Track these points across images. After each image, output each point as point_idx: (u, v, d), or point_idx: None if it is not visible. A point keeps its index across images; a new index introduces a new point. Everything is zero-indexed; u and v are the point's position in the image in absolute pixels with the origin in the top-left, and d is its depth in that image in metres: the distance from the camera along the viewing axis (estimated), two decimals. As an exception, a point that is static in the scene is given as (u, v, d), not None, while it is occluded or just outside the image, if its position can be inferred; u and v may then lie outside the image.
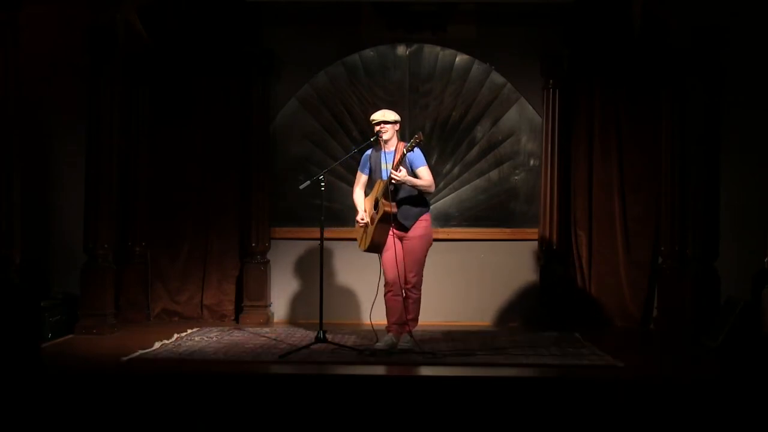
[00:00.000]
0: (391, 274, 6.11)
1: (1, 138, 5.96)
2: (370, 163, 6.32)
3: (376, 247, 6.18)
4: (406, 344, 6.19)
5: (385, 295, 6.19)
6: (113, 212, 7.25)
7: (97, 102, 7.05)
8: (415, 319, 6.24)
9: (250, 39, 7.83)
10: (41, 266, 7.38)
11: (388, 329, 6.24)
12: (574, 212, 7.79)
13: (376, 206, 6.15)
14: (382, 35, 7.96)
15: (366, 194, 6.40)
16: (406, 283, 6.11)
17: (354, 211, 6.42)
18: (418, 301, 6.19)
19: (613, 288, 7.69)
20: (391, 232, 6.12)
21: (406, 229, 6.12)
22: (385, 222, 6.07)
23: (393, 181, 5.95)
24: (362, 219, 6.20)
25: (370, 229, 6.16)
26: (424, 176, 6.08)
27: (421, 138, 5.93)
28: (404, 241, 6.13)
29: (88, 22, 7.00)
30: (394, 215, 6.05)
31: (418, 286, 6.15)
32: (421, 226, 6.16)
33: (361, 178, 6.39)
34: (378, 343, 6.18)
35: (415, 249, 6.12)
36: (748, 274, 6.38)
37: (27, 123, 6.90)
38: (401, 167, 5.95)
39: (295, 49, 7.94)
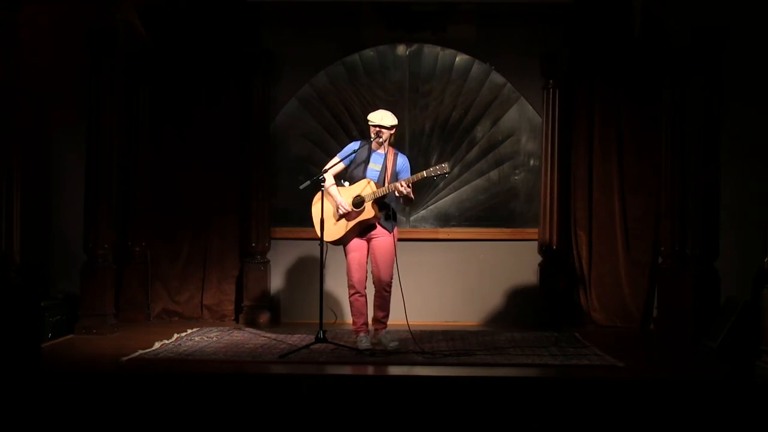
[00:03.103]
0: (359, 275, 6.24)
1: (1, 138, 5.96)
2: (356, 159, 6.32)
3: (343, 242, 6.28)
4: (394, 343, 6.25)
5: (350, 297, 6.32)
6: (113, 212, 7.25)
7: (97, 102, 7.05)
8: (388, 315, 6.37)
9: (250, 39, 7.82)
10: (41, 266, 7.38)
11: (358, 330, 6.34)
12: (574, 212, 7.79)
13: (358, 204, 6.16)
14: (382, 35, 7.96)
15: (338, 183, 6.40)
16: (379, 282, 6.25)
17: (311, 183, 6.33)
18: (390, 298, 6.33)
19: (613, 288, 7.69)
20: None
21: (388, 230, 6.22)
22: (367, 225, 6.20)
23: (399, 193, 6.03)
24: (345, 206, 6.20)
25: (347, 224, 6.20)
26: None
27: (447, 171, 6.08)
28: (375, 241, 6.23)
29: (88, 22, 7.00)
30: (379, 220, 6.19)
31: (390, 284, 6.29)
32: (395, 227, 6.33)
33: (339, 168, 6.37)
34: (360, 345, 6.23)
35: (389, 247, 6.22)
36: (748, 274, 6.38)
37: (27, 123, 6.91)
38: (410, 182, 6.06)
39: (295, 49, 7.94)
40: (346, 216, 6.20)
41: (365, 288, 6.31)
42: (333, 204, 6.28)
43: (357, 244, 6.26)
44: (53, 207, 7.68)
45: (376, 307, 6.35)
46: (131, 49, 7.42)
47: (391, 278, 6.27)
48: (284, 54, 7.93)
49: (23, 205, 6.20)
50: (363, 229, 6.24)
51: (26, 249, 6.30)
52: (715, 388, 5.25)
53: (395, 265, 6.21)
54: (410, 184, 6.03)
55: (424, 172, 6.04)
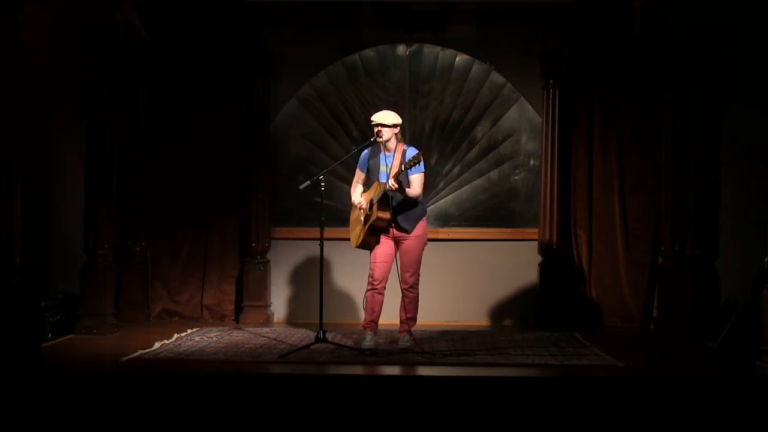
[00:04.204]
0: (380, 271, 6.20)
1: (1, 138, 5.96)
2: (369, 163, 6.34)
3: (367, 245, 6.27)
4: (407, 343, 6.23)
5: (366, 292, 6.28)
6: (113, 212, 7.25)
7: (97, 102, 7.05)
8: (414, 318, 6.32)
9: (250, 39, 7.82)
10: (41, 266, 7.38)
11: (365, 327, 6.31)
12: (574, 212, 7.79)
13: (371, 207, 6.17)
14: (382, 35, 7.95)
15: (364, 190, 6.44)
16: (404, 282, 6.20)
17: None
18: (416, 301, 6.28)
19: (613, 288, 7.69)
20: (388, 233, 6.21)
21: (407, 232, 6.17)
22: (378, 226, 6.17)
23: (389, 191, 6.00)
24: (360, 203, 6.23)
25: (363, 229, 6.22)
26: (414, 186, 6.12)
27: (420, 160, 5.93)
28: (402, 241, 6.18)
29: (88, 22, 7.00)
30: (389, 221, 6.11)
31: (416, 285, 6.24)
32: (420, 226, 6.24)
33: (360, 176, 6.44)
34: (363, 344, 6.23)
35: (413, 248, 6.19)
36: (748, 274, 6.38)
37: (27, 123, 6.90)
38: (395, 177, 5.99)
39: (295, 49, 7.94)
40: (363, 221, 6.21)
41: (384, 287, 6.25)
42: (357, 212, 6.33)
43: (382, 242, 6.23)
44: (53, 207, 7.68)
45: (401, 308, 6.30)
46: (131, 49, 7.42)
47: (413, 280, 6.21)
48: (284, 54, 7.93)
49: (23, 205, 6.20)
50: (377, 231, 6.19)
51: (26, 249, 6.30)
52: (715, 388, 5.25)
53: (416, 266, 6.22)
54: (397, 179, 5.96)
55: (402, 165, 6.00)
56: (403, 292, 6.25)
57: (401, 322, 6.32)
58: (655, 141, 7.52)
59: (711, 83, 6.81)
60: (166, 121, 7.85)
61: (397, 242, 6.22)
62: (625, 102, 7.70)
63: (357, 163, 6.47)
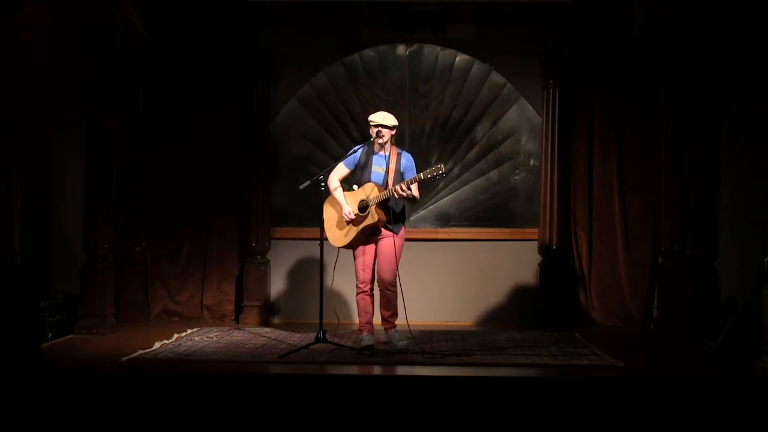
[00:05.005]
0: (368, 273, 6.29)
1: (1, 138, 5.96)
2: (359, 162, 6.34)
3: (351, 247, 6.32)
4: (403, 342, 6.25)
5: (357, 295, 6.37)
6: (113, 212, 7.25)
7: (97, 102, 7.05)
8: (396, 314, 6.40)
9: (249, 39, 7.83)
10: (41, 266, 7.38)
11: (361, 329, 6.37)
12: (574, 212, 7.79)
13: (363, 209, 6.17)
14: (382, 35, 7.96)
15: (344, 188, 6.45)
16: (383, 282, 6.28)
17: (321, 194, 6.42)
18: (395, 298, 6.35)
19: (613, 288, 7.69)
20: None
21: (394, 232, 6.25)
22: (374, 229, 6.20)
23: (399, 196, 6.03)
24: (349, 213, 6.23)
25: (353, 229, 6.23)
26: (414, 189, 6.16)
27: (443, 171, 5.96)
28: (383, 241, 6.24)
29: (88, 22, 7.00)
30: (385, 223, 6.19)
31: (395, 283, 6.30)
32: (401, 227, 6.34)
33: (344, 172, 6.43)
34: (363, 343, 6.25)
35: (392, 248, 6.24)
36: (748, 274, 6.38)
37: (27, 123, 6.90)
38: (408, 184, 6.04)
39: (295, 49, 7.94)
40: (353, 221, 6.22)
41: (371, 288, 6.34)
42: (340, 210, 6.31)
43: (365, 245, 6.29)
44: (53, 207, 7.68)
45: (382, 306, 6.37)
46: (131, 49, 7.42)
47: (394, 278, 6.27)
48: (284, 54, 7.93)
49: (23, 205, 6.20)
50: (370, 233, 6.24)
51: (26, 249, 6.30)
52: (715, 388, 5.25)
53: (396, 264, 6.24)
54: (409, 186, 6.03)
55: (421, 174, 6.05)
56: (382, 291, 6.32)
57: (384, 319, 6.41)
58: (655, 141, 7.52)
59: (711, 83, 6.81)
60: (166, 121, 7.86)
61: (377, 243, 6.28)
62: (625, 102, 7.70)
63: (344, 159, 6.46)
